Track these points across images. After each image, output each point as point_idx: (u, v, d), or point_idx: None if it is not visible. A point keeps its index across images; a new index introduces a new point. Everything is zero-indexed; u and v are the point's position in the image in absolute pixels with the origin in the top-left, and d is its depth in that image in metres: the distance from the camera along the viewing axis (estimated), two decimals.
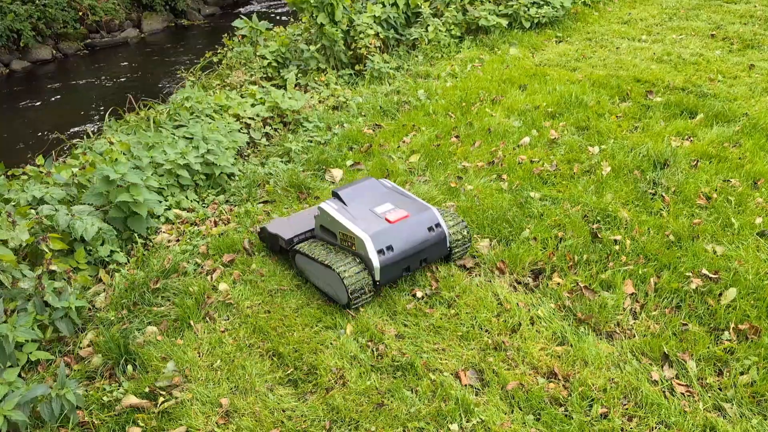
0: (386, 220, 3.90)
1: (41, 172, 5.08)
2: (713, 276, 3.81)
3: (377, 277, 3.77)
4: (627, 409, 3.06)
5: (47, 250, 3.99)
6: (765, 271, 3.80)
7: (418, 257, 3.93)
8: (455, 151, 5.67)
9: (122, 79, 12.66)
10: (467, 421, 3.04)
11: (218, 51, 8.94)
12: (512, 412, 3.09)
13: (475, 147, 5.73)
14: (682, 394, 3.12)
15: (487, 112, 6.40)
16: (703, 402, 3.07)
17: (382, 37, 8.51)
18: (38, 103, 11.50)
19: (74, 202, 4.81)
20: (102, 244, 4.51)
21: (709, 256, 3.98)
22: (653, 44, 8.15)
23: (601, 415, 3.04)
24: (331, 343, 3.59)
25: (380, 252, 3.76)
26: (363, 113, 6.85)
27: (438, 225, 3.98)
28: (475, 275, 4.05)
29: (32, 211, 4.37)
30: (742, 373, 3.18)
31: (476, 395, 3.20)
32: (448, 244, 4.03)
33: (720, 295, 3.67)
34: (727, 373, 3.20)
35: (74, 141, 6.67)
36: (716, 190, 4.65)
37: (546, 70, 7.44)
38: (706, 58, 7.40)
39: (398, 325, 3.70)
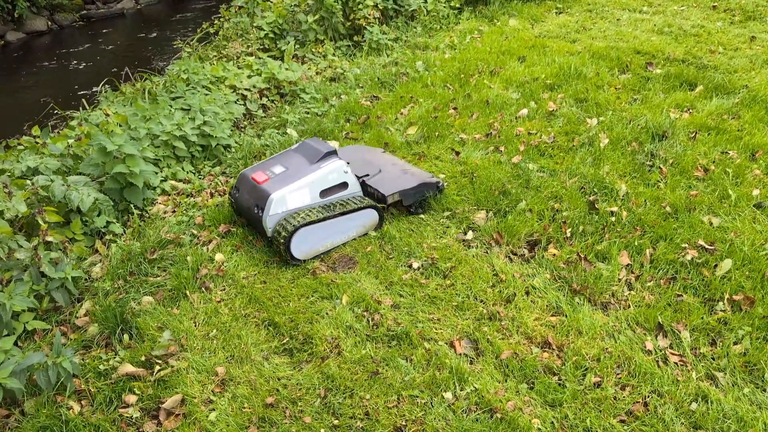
0: (257, 174, 4.26)
1: (37, 143, 5.05)
2: (709, 247, 3.81)
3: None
4: (620, 378, 3.08)
5: (42, 222, 3.99)
6: (761, 242, 3.80)
7: (249, 217, 4.28)
8: (453, 123, 5.64)
9: (119, 51, 12.54)
10: (461, 390, 3.06)
11: (215, 22, 8.85)
12: (506, 380, 3.11)
13: (473, 119, 5.70)
14: (676, 363, 3.14)
15: (485, 84, 6.35)
16: (696, 371, 3.08)
17: (380, 7, 8.42)
18: (34, 75, 11.40)
19: (70, 173, 4.79)
20: (98, 215, 4.50)
21: (706, 228, 3.97)
22: (654, 16, 8.08)
23: (594, 384, 3.06)
24: (326, 313, 3.60)
25: (234, 188, 4.40)
26: (360, 85, 6.80)
27: (261, 209, 4.07)
28: (472, 246, 4.05)
29: (28, 182, 4.35)
30: (735, 343, 3.20)
31: (470, 364, 3.22)
32: (267, 232, 4.07)
33: (715, 266, 3.67)
34: (721, 343, 3.22)
35: (70, 112, 6.62)
36: (714, 161, 4.63)
37: (545, 42, 7.38)
38: (707, 29, 7.33)
39: (394, 296, 3.71)
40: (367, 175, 4.49)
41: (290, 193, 4.06)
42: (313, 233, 4.01)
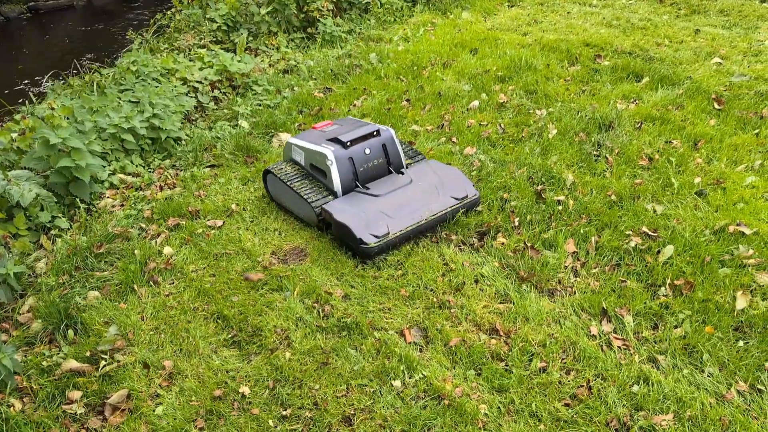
0: (322, 123, 4.69)
1: None
2: (652, 234, 3.90)
3: None
4: (565, 362, 3.14)
5: None
6: (701, 228, 3.91)
7: None
8: (406, 115, 5.66)
9: (68, 43, 12.25)
10: (410, 377, 3.08)
11: (166, 13, 8.70)
12: (454, 367, 3.14)
13: (426, 110, 5.73)
14: (619, 347, 3.21)
15: (438, 76, 6.39)
16: (638, 355, 3.16)
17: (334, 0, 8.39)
18: None
19: (14, 168, 4.67)
20: (42, 210, 4.40)
21: (649, 215, 4.07)
22: (603, 9, 8.21)
23: (540, 369, 3.11)
24: (276, 305, 3.58)
25: None
26: (314, 77, 6.78)
27: None
28: (422, 237, 4.07)
29: None
30: (676, 327, 3.28)
31: (420, 352, 3.24)
32: None
33: (658, 252, 3.76)
34: (662, 327, 3.30)
35: (15, 106, 6.45)
36: (658, 151, 4.74)
37: (497, 35, 7.45)
38: (654, 23, 7.49)
39: (345, 286, 3.72)
40: (368, 188, 4.19)
41: (296, 147, 4.44)
42: (279, 186, 4.40)
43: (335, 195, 4.17)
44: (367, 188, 4.19)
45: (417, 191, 4.16)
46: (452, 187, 4.19)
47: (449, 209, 4.09)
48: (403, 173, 4.34)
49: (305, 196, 4.16)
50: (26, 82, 9.97)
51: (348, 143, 4.19)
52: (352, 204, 4.05)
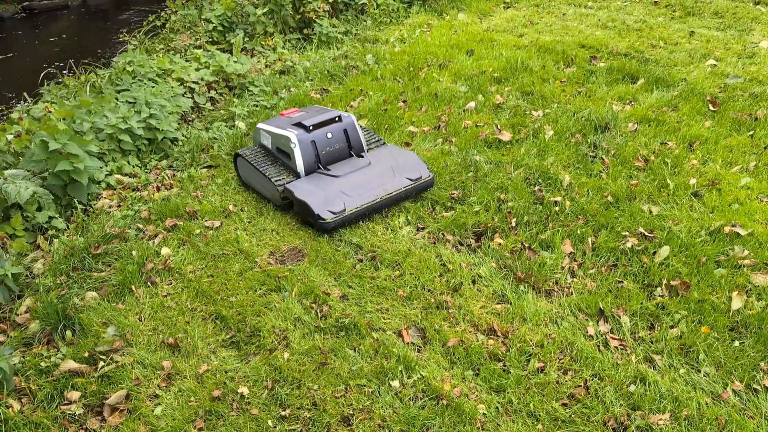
0: (291, 110, 4.96)
1: None
2: (648, 235, 3.93)
3: None
4: (563, 363, 3.16)
5: None
6: (697, 229, 3.93)
7: None
8: (402, 116, 5.68)
9: (63, 44, 12.21)
10: (408, 378, 3.09)
11: (161, 14, 8.70)
12: (452, 367, 3.16)
13: (422, 111, 5.74)
14: (616, 347, 3.23)
15: (434, 77, 6.41)
16: (635, 355, 3.18)
17: (330, 0, 8.40)
18: None
19: (10, 169, 4.65)
20: (39, 210, 4.39)
21: (645, 216, 4.09)
22: (599, 11, 8.25)
23: (537, 369, 3.13)
24: (275, 306, 3.59)
25: None
26: (310, 77, 6.79)
27: None
28: (419, 237, 4.09)
29: None
30: (672, 327, 3.31)
31: (418, 352, 3.26)
32: None
33: (654, 253, 3.78)
34: (658, 327, 3.32)
35: (11, 106, 6.44)
36: (654, 152, 4.77)
37: (493, 36, 7.47)
38: (649, 24, 7.53)
39: (343, 287, 3.72)
40: (329, 169, 4.46)
41: (264, 131, 4.68)
42: (248, 168, 4.66)
43: (298, 176, 4.44)
44: (328, 170, 4.48)
45: (374, 173, 4.45)
46: (408, 170, 4.46)
47: (403, 189, 4.36)
48: (363, 156, 4.61)
49: (270, 177, 4.40)
50: (20, 81, 9.95)
51: (311, 127, 4.45)
52: (313, 184, 4.34)
